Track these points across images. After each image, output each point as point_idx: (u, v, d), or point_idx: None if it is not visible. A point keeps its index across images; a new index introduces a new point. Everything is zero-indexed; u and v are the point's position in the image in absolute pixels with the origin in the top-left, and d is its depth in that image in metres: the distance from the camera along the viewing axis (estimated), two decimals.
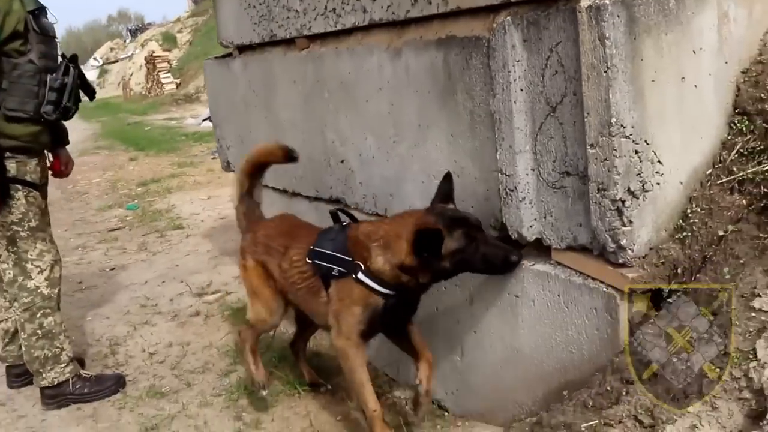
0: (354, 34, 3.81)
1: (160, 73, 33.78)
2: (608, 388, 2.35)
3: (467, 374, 3.45)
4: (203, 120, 20.64)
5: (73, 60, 4.31)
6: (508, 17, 2.75)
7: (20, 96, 4.02)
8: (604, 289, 2.61)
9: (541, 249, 2.92)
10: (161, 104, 30.05)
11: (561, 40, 2.56)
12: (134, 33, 56.69)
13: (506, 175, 2.88)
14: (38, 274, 4.26)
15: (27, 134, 4.08)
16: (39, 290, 4.26)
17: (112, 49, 55.71)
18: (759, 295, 2.13)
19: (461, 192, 3.20)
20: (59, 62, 4.20)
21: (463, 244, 2.88)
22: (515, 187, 2.85)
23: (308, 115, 4.29)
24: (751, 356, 2.02)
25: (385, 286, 3.08)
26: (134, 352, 5.02)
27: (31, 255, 4.23)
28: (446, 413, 3.64)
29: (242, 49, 5.05)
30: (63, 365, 4.34)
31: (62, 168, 4.64)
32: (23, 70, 4.02)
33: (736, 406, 2.00)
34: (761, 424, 1.89)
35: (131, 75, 39.39)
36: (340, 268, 3.19)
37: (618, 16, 2.36)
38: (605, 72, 2.38)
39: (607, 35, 2.36)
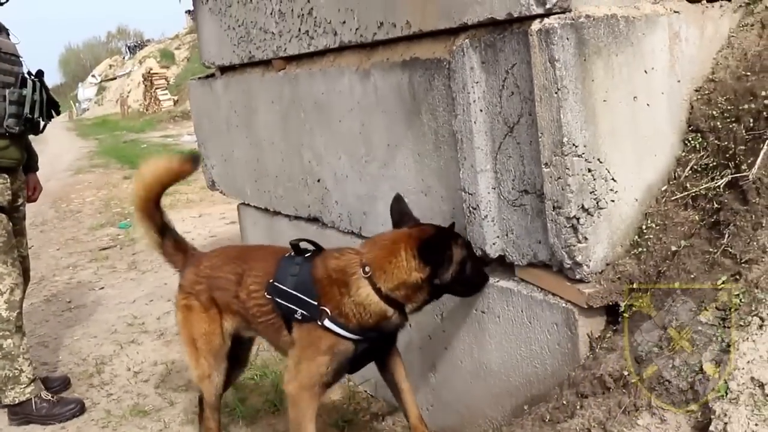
0: (327, 56, 3.88)
1: (157, 90, 34.02)
2: (564, 402, 2.40)
3: (440, 390, 3.50)
4: None
5: (38, 75, 4.41)
6: (467, 40, 2.81)
7: None
8: (563, 305, 2.66)
9: (505, 266, 2.97)
10: (158, 121, 30.25)
11: (516, 62, 2.62)
12: (133, 50, 56.98)
13: (469, 194, 2.94)
14: (10, 292, 4.32)
15: None
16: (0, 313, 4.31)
17: (111, 66, 56.01)
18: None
19: (429, 211, 3.26)
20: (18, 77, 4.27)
21: (467, 254, 2.89)
22: (477, 206, 2.90)
23: (286, 135, 4.36)
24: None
25: (359, 331, 2.89)
26: (119, 371, 5.08)
27: (8, 274, 4.30)
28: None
29: (224, 69, 5.13)
30: (23, 386, 4.41)
31: (30, 193, 4.71)
32: None
33: (683, 418, 2.05)
34: None
35: (129, 92, 39.61)
36: (301, 313, 2.95)
37: (567, 39, 2.42)
38: (556, 93, 2.44)
39: (556, 57, 2.41)
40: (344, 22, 3.55)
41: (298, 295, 2.96)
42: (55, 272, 8.07)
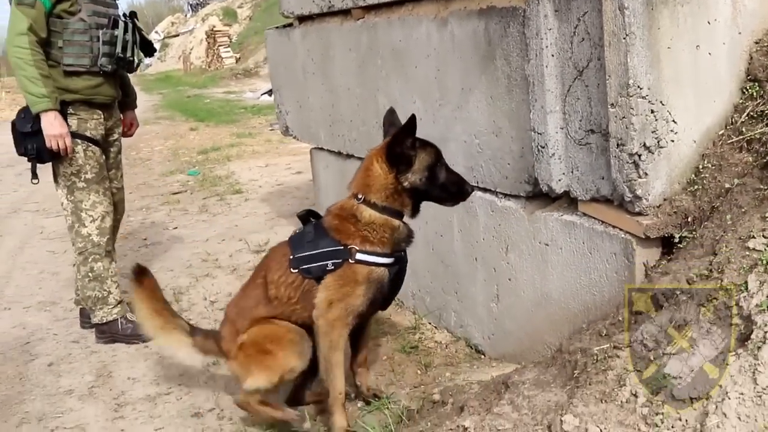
0: (405, 5, 4.13)
1: (220, 48, 34.40)
2: (620, 318, 2.65)
3: (502, 319, 3.77)
4: (262, 94, 21.14)
5: (131, 16, 4.77)
6: None
7: (76, 51, 4.49)
8: (623, 236, 2.90)
9: (568, 201, 3.22)
10: (221, 78, 30.65)
11: (587, 10, 2.84)
12: (195, 8, 57.38)
13: (538, 133, 3.18)
14: (90, 222, 4.71)
15: (86, 87, 4.54)
16: (90, 237, 4.72)
17: (173, 24, 56.53)
18: (753, 237, 2.41)
19: (499, 150, 3.51)
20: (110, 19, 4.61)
21: (434, 160, 3.24)
22: (546, 144, 3.15)
23: (362, 81, 4.62)
24: (743, 288, 2.30)
25: (384, 253, 3.26)
26: (196, 300, 5.43)
27: (86, 205, 4.69)
28: (483, 356, 3.96)
29: (302, 19, 5.40)
30: (110, 306, 4.80)
31: (125, 129, 5.05)
32: (74, 28, 4.49)
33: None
34: (746, 344, 2.17)
35: (192, 49, 40.05)
36: (333, 261, 3.25)
37: None
38: (624, 38, 2.66)
39: (626, 5, 2.64)
40: None
41: (322, 250, 3.30)
42: (129, 213, 8.41)
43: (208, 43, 36.06)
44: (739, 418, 2.03)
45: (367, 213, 3.26)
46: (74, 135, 4.56)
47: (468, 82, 3.64)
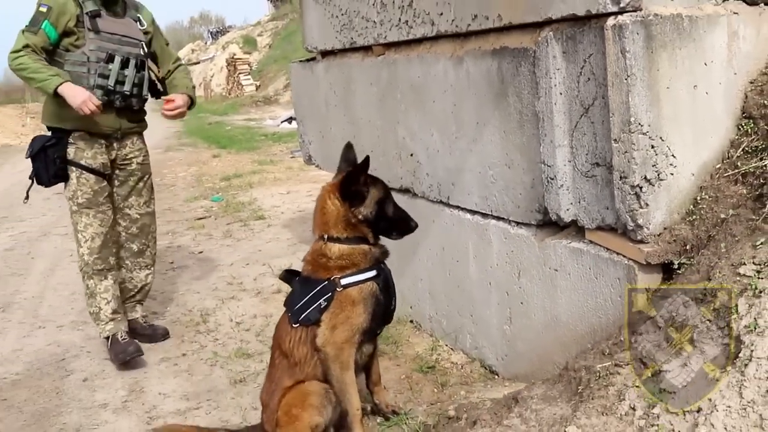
0: (423, 43, 4.38)
1: (240, 75, 34.88)
2: (621, 338, 2.86)
3: (514, 341, 3.97)
4: (282, 122, 21.46)
5: (143, 57, 5.07)
6: (551, 32, 3.28)
7: (74, 83, 4.76)
8: (626, 262, 3.11)
9: (576, 229, 3.44)
10: (241, 105, 31.09)
11: (593, 52, 3.08)
12: (215, 35, 58.15)
13: (548, 166, 3.41)
14: (84, 243, 5.07)
15: (83, 117, 4.79)
16: (83, 257, 5.09)
17: (193, 51, 57.18)
18: (744, 264, 2.61)
19: (511, 181, 3.74)
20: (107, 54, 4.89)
21: (383, 195, 3.55)
22: (555, 176, 3.37)
23: (382, 114, 4.87)
24: (733, 311, 2.51)
25: (366, 269, 3.52)
26: (222, 321, 5.67)
27: (80, 227, 5.06)
28: (496, 376, 4.16)
29: (325, 54, 5.67)
30: (103, 323, 5.13)
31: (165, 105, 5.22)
32: (74, 60, 4.82)
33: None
34: (735, 362, 2.38)
35: (212, 76, 40.60)
36: (324, 298, 3.49)
37: (637, 33, 2.87)
38: (626, 79, 2.89)
39: (627, 49, 2.87)
40: (441, 14, 4.05)
41: (311, 293, 3.54)
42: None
43: (229, 70, 36.57)
44: (726, 429, 2.23)
45: (336, 248, 3.53)
46: (69, 162, 4.95)
47: (482, 116, 3.87)
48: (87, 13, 4.81)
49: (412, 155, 4.61)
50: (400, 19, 4.46)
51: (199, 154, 16.14)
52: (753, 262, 2.59)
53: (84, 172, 4.97)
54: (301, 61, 6.24)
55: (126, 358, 5.01)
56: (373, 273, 3.56)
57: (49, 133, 5.01)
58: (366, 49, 5.01)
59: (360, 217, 3.52)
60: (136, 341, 5.17)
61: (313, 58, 5.95)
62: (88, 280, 5.11)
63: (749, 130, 3.10)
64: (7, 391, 4.83)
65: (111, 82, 4.85)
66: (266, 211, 9.43)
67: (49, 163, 4.93)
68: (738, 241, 2.79)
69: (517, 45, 3.56)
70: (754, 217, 2.84)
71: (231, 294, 6.30)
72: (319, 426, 3.54)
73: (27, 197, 5.26)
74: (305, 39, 5.92)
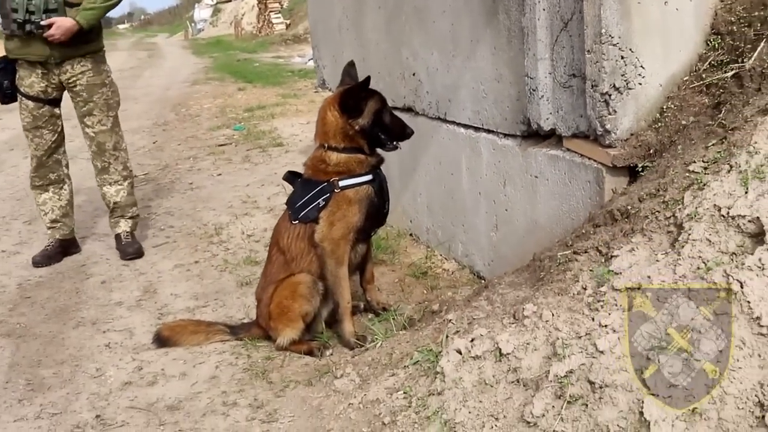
0: None
1: (271, 14, 34.94)
2: (583, 231, 3.12)
3: (500, 246, 4.25)
4: (309, 59, 21.57)
5: None
6: None
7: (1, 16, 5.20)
8: (595, 165, 3.36)
9: (554, 138, 3.69)
10: (271, 43, 31.19)
11: None
12: None
13: (530, 78, 3.64)
14: (31, 159, 5.61)
15: (15, 48, 5.29)
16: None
17: None
18: (695, 161, 2.85)
19: (500, 94, 3.98)
20: None
21: (380, 107, 3.81)
22: (537, 87, 3.61)
23: (389, 36, 5.10)
24: (679, 202, 2.75)
25: (362, 173, 3.81)
26: (234, 234, 6.01)
27: (29, 145, 5.57)
28: (483, 281, 4.43)
29: None
30: (48, 229, 5.81)
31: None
32: None
33: (665, 237, 2.74)
34: (675, 246, 2.63)
35: (243, 15, 40.67)
36: (323, 198, 3.80)
37: None
38: None
39: None
40: None
41: (310, 193, 3.86)
42: (177, 162, 9.07)
43: (260, 9, 36.63)
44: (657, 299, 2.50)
45: (334, 156, 3.84)
46: (14, 88, 5.40)
47: (476, 34, 4.10)
48: None
49: (414, 74, 4.85)
50: None
51: (225, 88, 16.42)
52: (702, 161, 2.83)
53: (23, 98, 5.40)
54: None
55: (36, 259, 5.69)
56: (369, 177, 3.85)
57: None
58: None
59: (357, 128, 3.79)
60: (57, 255, 5.76)
61: None
62: (33, 192, 5.73)
63: (717, 45, 3.31)
64: (31, 290, 5.20)
65: (20, 15, 5.09)
66: (285, 138, 9.72)
67: None
68: (694, 143, 3.02)
69: None
70: (711, 122, 3.06)
71: (245, 211, 6.61)
72: (309, 314, 3.87)
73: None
74: None
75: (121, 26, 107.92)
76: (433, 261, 4.86)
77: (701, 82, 3.26)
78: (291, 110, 12.16)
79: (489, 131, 4.18)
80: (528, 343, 2.66)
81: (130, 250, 5.74)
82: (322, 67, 6.47)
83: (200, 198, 7.25)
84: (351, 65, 4.05)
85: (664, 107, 3.29)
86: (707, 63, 3.30)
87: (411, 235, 5.34)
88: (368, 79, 3.79)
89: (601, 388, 2.37)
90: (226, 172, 8.24)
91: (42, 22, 5.08)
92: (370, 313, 4.23)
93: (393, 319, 3.96)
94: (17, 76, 5.36)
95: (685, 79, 3.33)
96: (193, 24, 54.01)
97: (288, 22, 34.76)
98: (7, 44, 5.32)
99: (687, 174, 2.84)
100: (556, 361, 2.51)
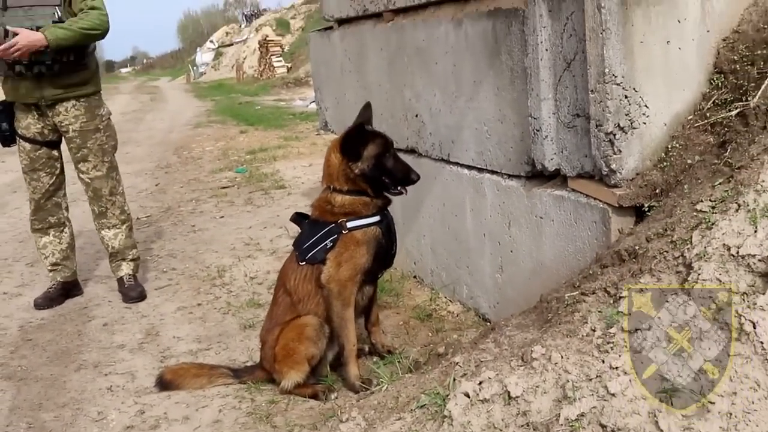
0: (428, 8, 4.63)
1: (272, 57, 35.28)
2: (590, 272, 3.09)
3: (505, 288, 4.22)
4: (310, 102, 21.71)
5: (57, 21, 5.14)
6: None
7: None
8: (601, 206, 3.34)
9: (559, 179, 3.68)
10: (272, 86, 31.46)
11: (574, 10, 3.30)
12: (249, 18, 58.66)
13: (534, 118, 3.64)
14: (29, 202, 5.62)
15: (9, 90, 5.33)
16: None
17: (227, 33, 57.76)
18: (702, 201, 2.83)
19: (504, 135, 3.98)
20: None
21: (381, 151, 3.78)
22: (540, 128, 3.60)
23: (391, 77, 5.12)
24: (688, 242, 2.73)
25: (369, 215, 3.81)
26: (237, 276, 5.98)
27: (27, 188, 5.57)
28: (488, 323, 4.39)
29: (341, 22, 5.92)
30: (49, 272, 5.79)
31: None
32: None
33: (674, 277, 2.71)
34: (685, 285, 2.61)
35: (245, 58, 41.05)
36: (330, 239, 3.79)
37: None
38: (601, 33, 3.11)
39: (603, 5, 3.09)
40: None
41: (318, 234, 3.84)
42: (180, 204, 9.08)
43: (261, 52, 36.98)
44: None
45: (339, 198, 3.83)
46: (13, 131, 5.42)
47: (479, 75, 4.11)
48: None
49: (417, 116, 4.86)
50: None
51: (227, 130, 16.51)
52: (709, 200, 2.81)
53: (21, 140, 5.42)
54: (318, 30, 6.50)
55: (38, 302, 5.66)
56: (376, 218, 3.84)
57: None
58: (378, 15, 5.26)
59: (357, 171, 3.78)
60: (59, 297, 5.73)
61: (330, 27, 6.21)
62: (33, 235, 5.74)
63: (720, 84, 3.31)
64: (33, 333, 5.17)
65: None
66: (287, 181, 9.73)
67: None
68: (700, 183, 3.01)
69: (509, 5, 3.79)
70: (716, 161, 3.05)
71: (247, 253, 6.59)
72: (315, 357, 3.82)
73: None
74: (323, 8, 6.19)
75: (123, 70, 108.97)
76: (438, 303, 4.83)
77: (705, 121, 3.25)
78: (293, 153, 12.20)
79: (493, 172, 4.17)
80: (537, 386, 2.62)
81: (133, 293, 5.69)
82: (324, 109, 6.49)
83: (203, 240, 7.24)
84: (366, 107, 4.01)
85: (669, 147, 3.28)
86: (711, 102, 3.30)
87: (415, 277, 5.32)
88: (361, 124, 3.81)
89: (613, 431, 2.33)
90: (228, 215, 8.24)
91: (9, 28, 4.94)
92: (374, 356, 4.19)
93: (398, 362, 3.91)
94: (15, 118, 5.37)
95: (689, 118, 3.33)
96: (195, 67, 54.47)
97: (289, 65, 35.07)
98: (3, 86, 5.37)
99: (695, 213, 2.82)
100: (567, 404, 2.47)
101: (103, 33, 5.23)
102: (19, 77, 5.17)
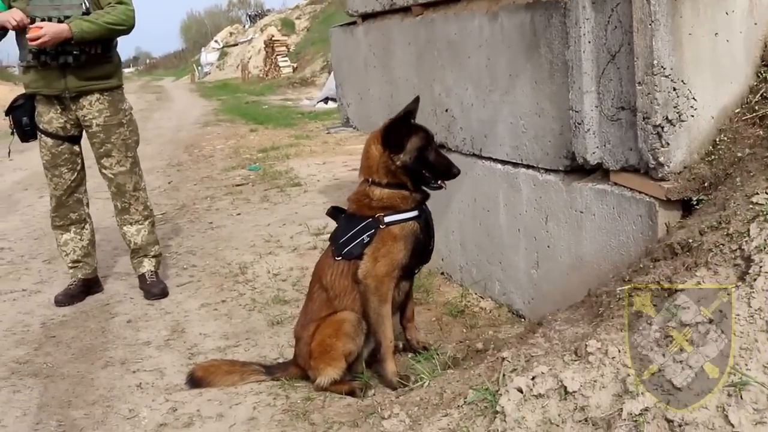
0: (461, 2, 4.58)
1: (278, 57, 35.25)
2: (641, 265, 3.05)
3: (540, 284, 4.17)
4: (318, 102, 21.75)
5: (84, 12, 5.08)
6: None
7: (21, 48, 5.14)
8: (647, 199, 3.30)
9: (600, 172, 3.63)
10: (278, 86, 31.44)
11: (620, 1, 3.26)
12: (253, 19, 58.70)
13: (575, 111, 3.60)
14: (50, 199, 5.56)
15: (32, 81, 5.26)
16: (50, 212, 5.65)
17: (231, 34, 57.77)
18: (757, 193, 2.79)
19: (541, 129, 3.93)
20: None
21: (424, 143, 3.73)
22: (582, 121, 3.56)
23: (419, 72, 5.07)
24: (745, 235, 2.69)
25: (407, 209, 3.75)
26: (260, 273, 5.92)
27: (48, 184, 5.52)
28: (523, 319, 4.36)
29: (365, 17, 5.88)
30: (70, 269, 5.74)
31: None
32: None
33: (732, 270, 2.66)
34: (745, 278, 2.56)
35: (250, 58, 41.01)
36: (367, 234, 3.73)
37: None
38: (650, 24, 3.07)
39: None
40: None
41: (355, 229, 3.78)
42: (195, 201, 9.04)
43: (267, 52, 36.95)
44: (734, 334, 2.42)
45: (378, 191, 3.78)
46: (34, 125, 5.37)
47: (515, 68, 4.06)
48: None
49: (447, 110, 4.81)
50: None
51: (236, 129, 16.48)
52: (765, 192, 2.77)
53: (43, 135, 5.36)
54: (341, 25, 6.45)
55: (59, 299, 5.61)
56: (415, 213, 3.79)
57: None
58: (405, 9, 5.21)
59: (399, 163, 3.73)
60: (80, 294, 5.69)
61: (353, 23, 6.16)
62: (54, 232, 5.69)
63: (767, 77, 3.27)
64: (55, 329, 5.12)
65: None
66: (303, 179, 9.68)
67: (16, 124, 5.37)
68: (753, 176, 2.96)
69: None
70: None
71: (268, 250, 6.54)
72: (353, 353, 3.77)
73: (9, 153, 5.84)
74: (347, 2, 6.13)
75: (127, 70, 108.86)
76: (469, 300, 4.78)
77: (754, 114, 3.21)
78: (305, 151, 12.15)
79: (529, 167, 4.12)
80: (595, 381, 2.58)
81: (155, 290, 5.64)
82: (346, 105, 6.44)
83: (221, 237, 7.19)
84: (415, 101, 3.87)
85: (717, 140, 3.24)
86: (759, 95, 3.26)
87: (442, 273, 5.27)
88: (408, 113, 3.74)
89: (680, 426, 2.28)
90: (245, 212, 8.19)
91: (31, 25, 4.93)
92: (409, 353, 4.14)
93: (436, 358, 3.87)
94: (36, 112, 5.32)
95: (736, 111, 3.28)
96: (199, 67, 54.44)
97: (295, 65, 35.04)
98: (24, 78, 5.32)
99: (750, 206, 2.78)
100: (629, 399, 2.42)
101: (128, 28, 5.21)
102: (44, 67, 5.12)
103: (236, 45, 48.16)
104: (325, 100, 20.93)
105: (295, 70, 34.54)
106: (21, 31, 5.04)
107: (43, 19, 4.94)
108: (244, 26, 58.87)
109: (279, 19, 46.54)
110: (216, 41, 56.64)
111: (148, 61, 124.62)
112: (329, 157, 11.31)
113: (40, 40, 4.87)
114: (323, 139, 13.46)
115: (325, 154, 11.68)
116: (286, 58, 35.52)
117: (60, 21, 4.94)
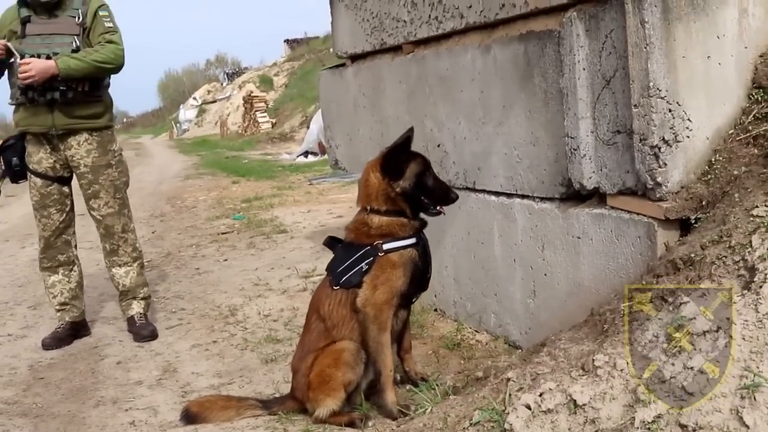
0: (453, 37, 4.66)
1: (257, 113, 35.45)
2: (643, 282, 3.07)
3: (538, 313, 4.17)
4: (297, 155, 21.83)
5: (75, 50, 5.13)
6: (575, 12, 3.54)
7: (12, 84, 5.17)
8: (646, 220, 3.33)
9: (597, 197, 3.67)
10: (257, 142, 31.56)
11: (614, 28, 3.33)
12: (231, 77, 59.19)
13: (571, 138, 3.64)
14: (39, 240, 5.53)
15: (21, 119, 5.27)
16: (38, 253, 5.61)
17: (209, 91, 58.09)
18: (757, 207, 2.83)
19: (536, 158, 3.98)
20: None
21: (422, 169, 3.78)
22: (578, 147, 3.61)
23: (411, 109, 5.13)
24: (748, 246, 2.72)
25: (405, 237, 3.76)
26: (251, 314, 5.89)
27: (36, 225, 5.49)
28: (520, 350, 4.34)
29: (354, 58, 5.95)
30: (56, 312, 5.66)
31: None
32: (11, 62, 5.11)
33: (736, 281, 2.69)
34: (750, 288, 2.59)
35: (228, 114, 41.23)
36: (366, 262, 3.73)
37: (655, 6, 3.12)
38: (645, 48, 3.14)
39: (646, 20, 3.12)
40: (470, 6, 4.33)
41: (353, 257, 3.78)
42: (180, 249, 8.99)
43: (245, 108, 37.16)
44: (743, 339, 2.44)
45: (376, 219, 3.79)
46: (24, 165, 5.36)
47: (508, 99, 4.12)
48: (20, 19, 5.11)
49: (439, 146, 4.86)
50: (430, 16, 4.73)
51: (218, 181, 16.49)
52: (765, 205, 2.82)
53: (32, 176, 5.35)
54: (330, 67, 6.53)
55: (46, 342, 5.52)
56: (413, 240, 3.80)
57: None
58: (396, 48, 5.28)
59: (398, 190, 3.75)
60: (68, 337, 5.61)
61: (342, 65, 6.24)
62: (42, 274, 5.63)
63: (759, 99, 3.33)
64: (44, 371, 5.05)
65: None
66: (288, 226, 9.66)
67: (6, 164, 5.35)
68: (751, 191, 3.01)
69: (542, 28, 3.82)
70: (765, 170, 3.06)
71: (258, 293, 6.51)
72: (352, 383, 3.74)
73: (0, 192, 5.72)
74: (335, 45, 6.22)
75: None
76: (464, 333, 4.76)
77: (748, 134, 3.27)
78: (289, 200, 12.17)
79: (524, 196, 4.16)
80: (605, 393, 2.58)
81: (145, 332, 5.58)
82: (335, 147, 6.48)
83: (209, 282, 7.15)
84: (409, 131, 3.91)
85: (712, 159, 3.29)
86: (752, 116, 3.32)
87: (436, 309, 5.26)
88: (408, 139, 3.78)
89: (695, 430, 2.28)
90: (232, 258, 8.15)
91: (18, 61, 4.95)
92: (407, 385, 4.11)
93: (435, 388, 3.84)
94: (26, 152, 5.31)
95: (730, 132, 3.34)
96: (178, 124, 54.58)
97: (274, 121, 35.24)
98: (15, 116, 5.32)
99: (751, 218, 2.82)
100: (641, 407, 2.43)
101: (117, 67, 5.25)
102: (32, 104, 5.13)
103: (215, 102, 48.43)
104: (305, 154, 21.06)
105: (274, 125, 34.73)
106: (10, 69, 5.08)
107: (32, 56, 4.97)
108: (222, 84, 59.35)
109: (257, 75, 46.95)
110: (194, 98, 56.93)
111: (125, 119, 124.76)
112: (313, 205, 11.32)
113: (26, 74, 4.90)
114: (306, 190, 13.49)
115: (309, 203, 11.70)
116: (265, 114, 35.74)
117: (48, 57, 4.97)
